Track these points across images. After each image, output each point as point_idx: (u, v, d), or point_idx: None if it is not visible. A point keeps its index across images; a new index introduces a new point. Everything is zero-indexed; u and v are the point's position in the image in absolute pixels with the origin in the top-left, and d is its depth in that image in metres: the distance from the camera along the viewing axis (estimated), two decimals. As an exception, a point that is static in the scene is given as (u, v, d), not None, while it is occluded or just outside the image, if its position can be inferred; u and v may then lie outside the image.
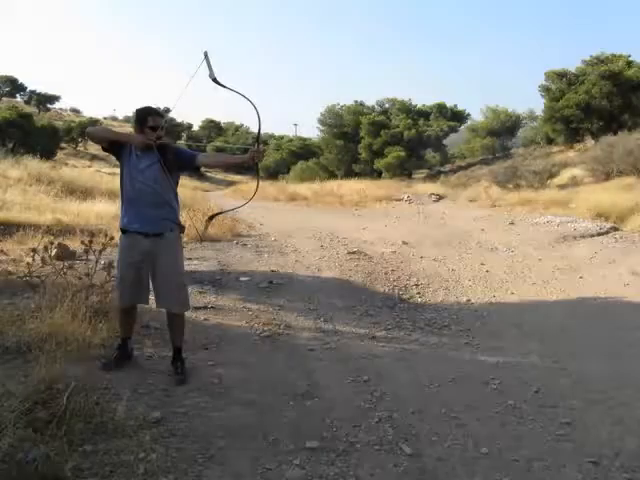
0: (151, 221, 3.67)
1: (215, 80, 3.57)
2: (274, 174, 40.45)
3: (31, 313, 4.20)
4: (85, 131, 4.00)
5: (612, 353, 4.87)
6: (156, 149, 3.64)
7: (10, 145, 25.20)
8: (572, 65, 27.43)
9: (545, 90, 27.50)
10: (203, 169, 38.23)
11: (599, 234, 10.45)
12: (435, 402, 3.75)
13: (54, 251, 6.30)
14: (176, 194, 3.83)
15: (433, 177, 27.95)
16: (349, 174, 31.40)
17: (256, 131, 4.03)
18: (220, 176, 47.62)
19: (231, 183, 41.92)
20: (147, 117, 3.68)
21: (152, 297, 3.92)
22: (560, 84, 26.78)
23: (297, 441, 3.11)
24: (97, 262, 4.77)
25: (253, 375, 4.01)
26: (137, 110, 3.77)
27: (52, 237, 7.42)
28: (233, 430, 3.17)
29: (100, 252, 4.80)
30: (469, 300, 6.82)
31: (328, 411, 3.51)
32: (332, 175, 32.50)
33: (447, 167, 32.46)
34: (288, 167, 40.07)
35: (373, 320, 5.77)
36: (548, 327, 5.70)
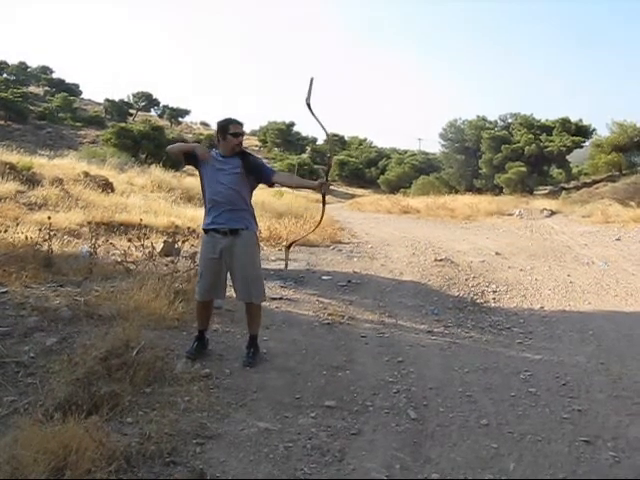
0: (229, 221, 4.07)
1: (309, 105, 3.96)
2: (396, 188, 40.81)
3: (123, 292, 5.06)
4: (166, 149, 4.47)
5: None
6: (237, 155, 4.11)
7: (143, 156, 27.64)
8: None
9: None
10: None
11: None
12: (456, 383, 4.07)
13: (161, 246, 7.29)
14: (250, 199, 4.22)
15: (555, 193, 26.94)
16: (470, 189, 31.05)
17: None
18: (342, 189, 48.71)
19: (352, 196, 42.83)
20: (229, 125, 4.10)
21: (230, 292, 4.42)
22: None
23: (318, 400, 3.63)
24: (180, 255, 5.59)
25: (299, 349, 4.56)
26: (219, 121, 4.21)
27: (165, 236, 8.50)
28: (266, 388, 3.75)
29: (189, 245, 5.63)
30: (542, 307, 6.86)
31: (355, 381, 3.98)
32: (453, 190, 32.26)
33: (572, 184, 31.04)
34: (410, 181, 40.24)
35: (437, 318, 6.07)
36: (612, 334, 5.64)
